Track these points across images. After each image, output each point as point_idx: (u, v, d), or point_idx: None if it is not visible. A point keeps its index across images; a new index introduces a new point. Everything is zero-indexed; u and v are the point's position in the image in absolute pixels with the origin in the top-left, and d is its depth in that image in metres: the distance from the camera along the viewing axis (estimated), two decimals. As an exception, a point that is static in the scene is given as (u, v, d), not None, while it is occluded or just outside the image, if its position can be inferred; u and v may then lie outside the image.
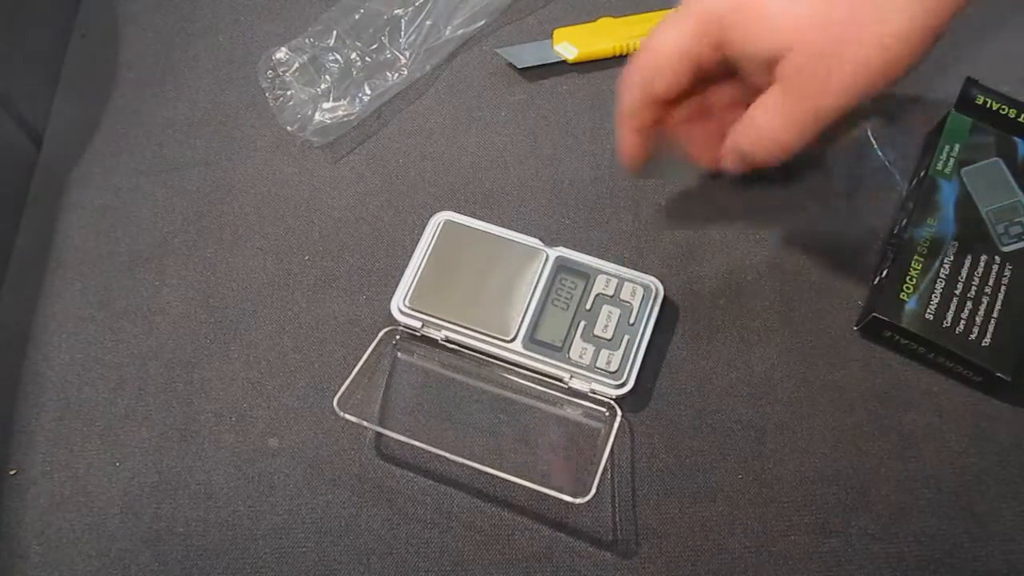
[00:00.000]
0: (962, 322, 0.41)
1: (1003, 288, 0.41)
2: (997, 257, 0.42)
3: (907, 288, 0.41)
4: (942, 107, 0.46)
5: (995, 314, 0.41)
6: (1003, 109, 0.44)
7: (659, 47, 0.38)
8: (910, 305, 0.41)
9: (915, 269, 0.42)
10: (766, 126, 0.37)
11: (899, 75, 0.34)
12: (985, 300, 0.41)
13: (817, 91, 0.35)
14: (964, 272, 0.42)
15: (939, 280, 0.41)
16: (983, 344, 0.40)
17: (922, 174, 0.45)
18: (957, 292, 0.41)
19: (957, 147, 0.44)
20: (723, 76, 0.39)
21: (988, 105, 0.44)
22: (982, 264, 0.42)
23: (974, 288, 0.41)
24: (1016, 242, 0.42)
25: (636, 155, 0.42)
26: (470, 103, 0.51)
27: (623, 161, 0.42)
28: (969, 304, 0.41)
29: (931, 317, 0.41)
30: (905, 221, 0.43)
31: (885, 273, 0.42)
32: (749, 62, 0.36)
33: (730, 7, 0.36)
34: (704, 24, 0.36)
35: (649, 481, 0.41)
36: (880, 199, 0.46)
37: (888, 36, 0.33)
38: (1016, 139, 0.44)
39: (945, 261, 0.42)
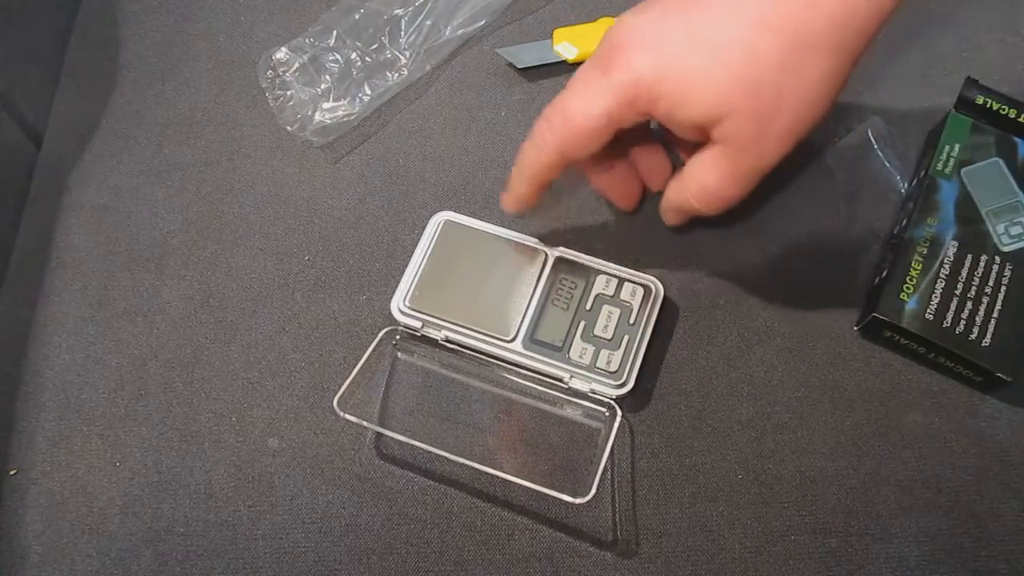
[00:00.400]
0: (962, 322, 0.41)
1: (1003, 288, 0.41)
2: (997, 257, 0.42)
3: (907, 288, 0.41)
4: (942, 107, 0.46)
5: (995, 314, 0.41)
6: (1003, 109, 0.44)
7: (581, 117, 0.36)
8: (910, 305, 0.41)
9: (915, 269, 0.42)
10: (711, 183, 0.37)
11: (827, 112, 0.35)
12: (985, 300, 0.41)
13: (757, 146, 0.35)
14: (964, 272, 0.42)
15: (939, 280, 0.41)
16: (983, 344, 0.40)
17: (922, 174, 0.45)
18: (957, 292, 0.41)
19: (957, 147, 0.44)
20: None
21: (988, 105, 0.44)
22: (982, 264, 0.42)
23: (974, 288, 0.41)
24: (1016, 242, 0.42)
25: (528, 205, 0.42)
26: (470, 103, 0.51)
27: (510, 207, 0.42)
28: (969, 304, 0.41)
29: (931, 317, 0.41)
30: (905, 221, 0.43)
31: (885, 273, 0.42)
32: (679, 126, 0.36)
33: (655, 77, 0.35)
34: (630, 94, 0.35)
35: (649, 481, 0.41)
36: (880, 199, 0.46)
37: (815, 81, 0.34)
38: (1016, 139, 0.44)
39: (945, 261, 0.42)
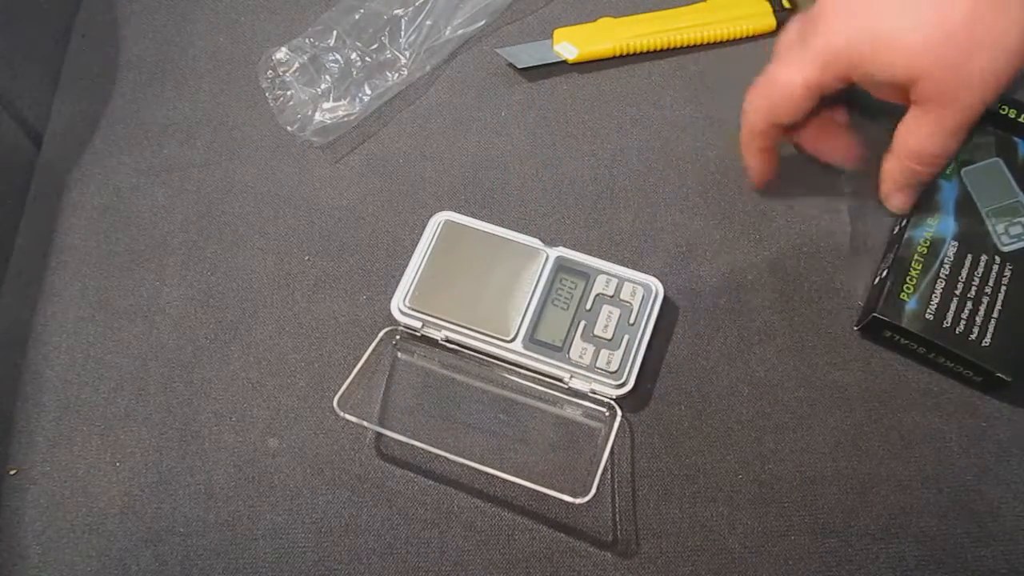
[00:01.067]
0: (962, 322, 0.41)
1: (1003, 288, 0.41)
2: (997, 257, 0.42)
3: (907, 288, 0.41)
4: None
5: (995, 314, 0.41)
6: (1003, 109, 0.44)
7: (786, 84, 0.39)
8: (910, 305, 0.41)
9: (915, 269, 0.42)
10: (922, 143, 0.39)
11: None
12: (985, 300, 0.41)
13: (957, 101, 0.37)
14: (964, 272, 0.41)
15: (939, 280, 0.41)
16: (983, 344, 0.40)
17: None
18: (957, 292, 0.41)
19: None
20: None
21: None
22: (982, 264, 0.42)
23: (974, 288, 0.41)
24: (1016, 242, 0.42)
25: (763, 173, 0.44)
26: (470, 103, 0.51)
27: (753, 179, 0.45)
28: (969, 304, 0.41)
29: (931, 317, 0.41)
30: (905, 221, 0.43)
31: (885, 273, 0.42)
32: (878, 90, 0.39)
33: (852, 43, 0.37)
34: (830, 62, 0.38)
35: (649, 481, 0.41)
36: (879, 197, 0.46)
37: (1008, 29, 0.35)
38: (1016, 139, 0.44)
39: (945, 261, 0.42)
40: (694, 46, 0.51)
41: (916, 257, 0.42)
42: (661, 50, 0.51)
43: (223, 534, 0.42)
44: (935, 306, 0.41)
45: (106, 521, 0.42)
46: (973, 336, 0.40)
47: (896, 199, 0.42)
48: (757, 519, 0.40)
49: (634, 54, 0.51)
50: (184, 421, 0.44)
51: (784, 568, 0.39)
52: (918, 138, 0.39)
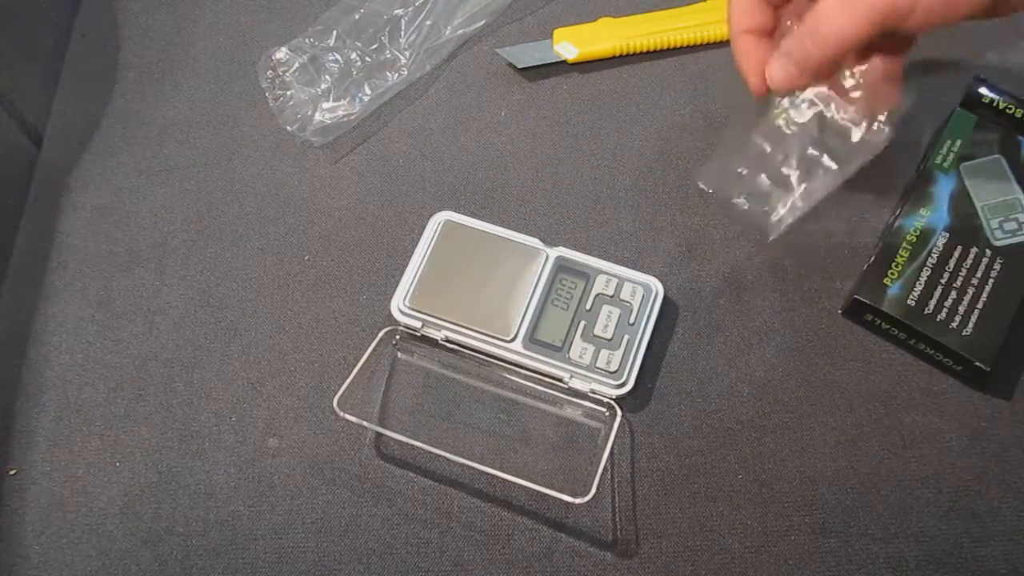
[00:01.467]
0: (944, 310, 0.41)
1: (991, 281, 0.41)
2: (988, 251, 0.42)
3: (891, 274, 0.41)
4: (950, 104, 0.46)
5: (979, 305, 0.40)
6: (1010, 108, 0.44)
7: None
8: (892, 290, 0.41)
9: (902, 256, 0.42)
10: (825, 16, 0.35)
11: (975, 9, 0.33)
12: (971, 291, 0.41)
13: None
14: (952, 262, 0.41)
15: (925, 268, 0.41)
16: (963, 333, 0.40)
17: (921, 167, 0.45)
18: (943, 281, 0.41)
19: (959, 143, 0.44)
20: None
21: (995, 104, 0.44)
22: (972, 256, 0.42)
23: (961, 278, 0.41)
24: (1009, 237, 0.42)
25: (754, 66, 0.40)
26: (470, 103, 0.51)
27: (747, 78, 0.40)
28: (954, 293, 0.41)
29: (913, 303, 0.41)
30: (898, 211, 0.43)
31: (872, 259, 0.42)
32: None
33: None
34: None
35: (649, 481, 0.41)
36: (882, 199, 0.46)
37: None
38: (1020, 138, 0.44)
39: (933, 251, 0.42)
40: (694, 46, 0.51)
41: (904, 245, 0.42)
42: (661, 50, 0.51)
43: (223, 534, 0.42)
44: (918, 293, 0.41)
45: (106, 521, 0.42)
46: (954, 325, 0.40)
47: (774, 66, 0.39)
48: (757, 519, 0.40)
49: (634, 54, 0.51)
50: (184, 421, 0.44)
51: (784, 568, 0.39)
52: (828, 9, 0.35)
